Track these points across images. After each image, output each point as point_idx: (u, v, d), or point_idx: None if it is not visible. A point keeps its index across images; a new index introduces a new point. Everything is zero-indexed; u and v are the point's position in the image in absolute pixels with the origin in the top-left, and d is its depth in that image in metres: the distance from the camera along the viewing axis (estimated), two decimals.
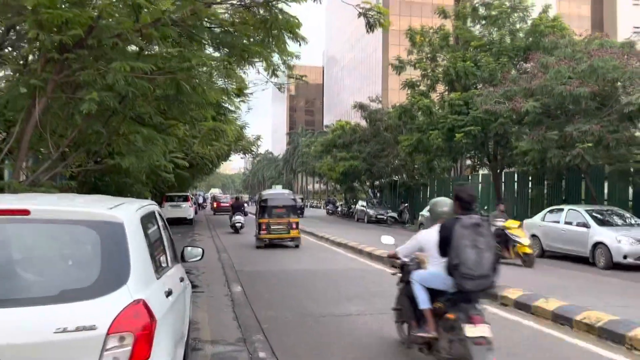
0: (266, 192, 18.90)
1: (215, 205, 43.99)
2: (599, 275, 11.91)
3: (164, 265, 4.08)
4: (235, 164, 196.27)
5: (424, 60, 21.54)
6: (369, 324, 7.30)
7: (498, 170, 21.74)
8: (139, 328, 2.80)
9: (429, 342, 5.19)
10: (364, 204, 33.74)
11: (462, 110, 18.96)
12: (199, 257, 5.51)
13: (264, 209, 16.71)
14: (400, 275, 6.10)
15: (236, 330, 6.98)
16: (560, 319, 7.12)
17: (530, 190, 23.11)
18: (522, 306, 7.93)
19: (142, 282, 3.05)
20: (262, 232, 16.47)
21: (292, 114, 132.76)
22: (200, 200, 57.12)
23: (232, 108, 11.48)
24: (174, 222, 28.14)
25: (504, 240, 12.66)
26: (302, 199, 44.37)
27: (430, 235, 5.25)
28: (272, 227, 16.46)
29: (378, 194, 38.50)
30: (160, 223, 4.40)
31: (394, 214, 30.77)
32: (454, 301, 4.81)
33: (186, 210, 28.43)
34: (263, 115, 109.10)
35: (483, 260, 4.55)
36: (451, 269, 4.60)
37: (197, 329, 6.95)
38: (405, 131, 29.20)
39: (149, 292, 3.08)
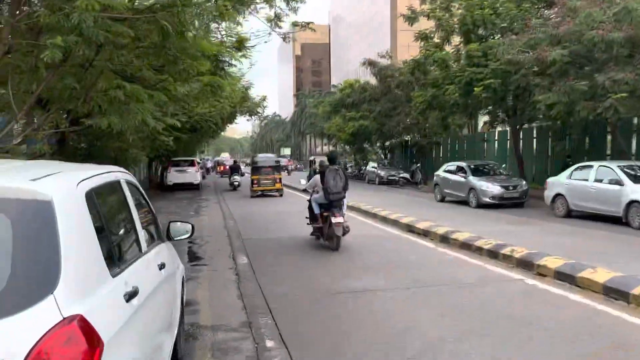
0: (257, 156, 24.44)
1: (220, 169, 46.50)
2: (636, 236, 10.88)
3: (130, 254, 3.07)
4: (242, 128, 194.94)
5: (438, 9, 19.99)
6: (391, 301, 6.37)
7: (517, 127, 20.49)
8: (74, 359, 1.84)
9: (320, 229, 10.16)
10: (375, 165, 32.65)
11: (481, 63, 17.62)
12: (187, 235, 4.54)
13: (255, 169, 22.37)
14: (308, 199, 10.90)
15: (240, 312, 6.08)
16: (613, 293, 6.14)
17: (550, 147, 21.91)
18: (564, 277, 6.95)
19: (79, 288, 2.06)
20: (254, 185, 21.85)
21: (298, 74, 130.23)
22: (209, 165, 56.39)
23: (233, 62, 10.32)
24: (181, 188, 27.42)
25: None
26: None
27: (318, 178, 10.21)
28: (261, 182, 22.02)
29: (388, 155, 37.37)
30: (128, 196, 3.35)
31: (406, 175, 29.72)
32: (328, 207, 9.77)
33: (193, 175, 27.60)
34: (269, 77, 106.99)
35: (338, 185, 9.57)
36: (325, 191, 9.67)
37: (195, 311, 6.08)
38: (418, 87, 27.87)
39: (93, 302, 2.09)
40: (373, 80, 34.31)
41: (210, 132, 26.44)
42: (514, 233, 11.28)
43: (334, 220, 9.40)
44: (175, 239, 4.35)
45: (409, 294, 6.67)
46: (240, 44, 10.81)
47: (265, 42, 11.44)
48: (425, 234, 11.11)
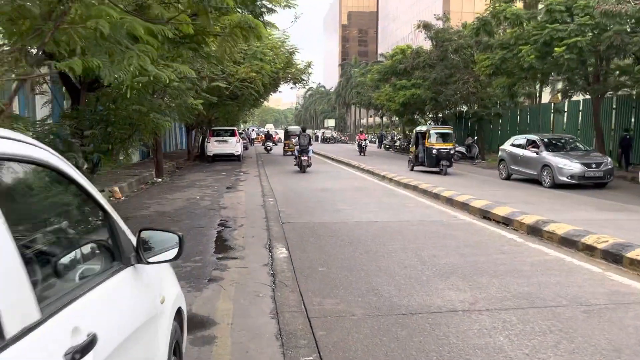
0: (288, 128, 36.88)
1: (258, 139, 51.19)
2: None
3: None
4: (287, 99, 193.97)
5: None
6: (489, 332, 4.31)
7: (598, 95, 17.65)
8: None
9: (300, 164, 20.15)
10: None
11: (563, 19, 14.89)
12: (173, 254, 2.53)
13: (287, 136, 33.13)
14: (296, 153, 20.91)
15: (274, 344, 4.18)
16: None
17: (636, 120, 18.99)
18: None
19: None
20: (285, 147, 32.07)
21: (344, 44, 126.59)
22: (253, 136, 54.99)
23: (272, 6, 8.26)
24: (221, 159, 25.90)
25: None
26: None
27: (297, 140, 21.49)
28: (290, 145, 29.72)
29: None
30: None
31: (462, 149, 27.10)
32: (300, 152, 20.37)
33: (233, 145, 25.98)
34: (314, 49, 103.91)
35: (304, 142, 20.46)
36: (299, 146, 20.59)
37: (210, 341, 4.20)
38: (480, 51, 25.04)
39: None
40: (426, 47, 31.54)
41: (252, 100, 24.59)
42: (619, 224, 8.95)
43: (302, 157, 19.97)
44: (150, 260, 2.37)
45: (513, 318, 4.61)
46: None
47: None
48: (506, 222, 8.92)
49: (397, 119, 47.68)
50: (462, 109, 32.41)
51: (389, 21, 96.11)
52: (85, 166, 9.14)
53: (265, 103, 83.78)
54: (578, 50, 14.04)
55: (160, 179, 16.48)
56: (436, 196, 12.16)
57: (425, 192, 12.94)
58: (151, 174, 17.01)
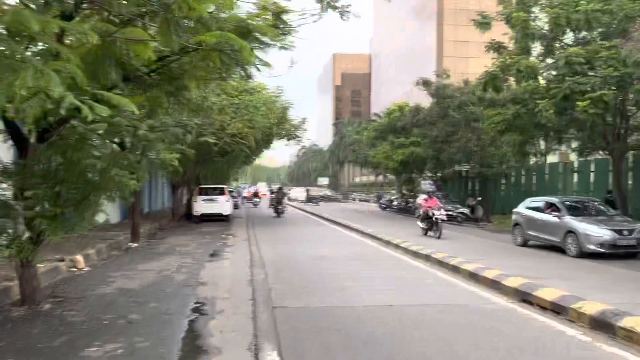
0: (272, 187, 47.49)
1: (248, 195, 53.08)
2: None
3: None
4: (280, 157, 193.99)
5: (518, 11, 16.02)
6: None
7: (621, 153, 16.13)
8: None
9: (276, 211, 28.44)
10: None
11: (584, 71, 13.58)
12: None
13: (272, 192, 35.87)
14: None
15: None
16: None
17: None
18: None
19: None
20: (270, 202, 32.73)
21: (337, 104, 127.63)
22: (244, 194, 53.19)
23: (268, 41, 6.66)
24: (208, 219, 23.97)
25: None
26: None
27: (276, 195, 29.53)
28: (275, 203, 29.62)
29: (440, 186, 33.11)
30: None
31: (465, 210, 25.41)
32: (277, 203, 28.69)
33: (222, 204, 24.09)
34: (308, 109, 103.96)
35: (280, 196, 28.75)
36: (276, 199, 28.99)
37: None
38: (483, 107, 23.81)
39: None
40: (424, 103, 30.52)
41: (243, 157, 23.04)
42: None
43: (278, 206, 27.96)
44: None
45: None
46: (278, 17, 7.21)
47: (314, 21, 7.80)
48: (556, 309, 7.01)
49: (392, 177, 46.28)
50: (464, 168, 30.98)
51: (382, 83, 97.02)
52: (27, 234, 7.26)
53: (258, 161, 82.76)
54: (604, 104, 12.61)
55: (136, 244, 14.49)
56: (455, 269, 10.26)
57: (441, 264, 11.03)
58: (127, 238, 15.03)
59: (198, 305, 7.52)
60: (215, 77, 9.04)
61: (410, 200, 33.87)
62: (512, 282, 8.32)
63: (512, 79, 18.40)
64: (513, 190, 27.80)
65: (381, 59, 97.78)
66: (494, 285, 8.68)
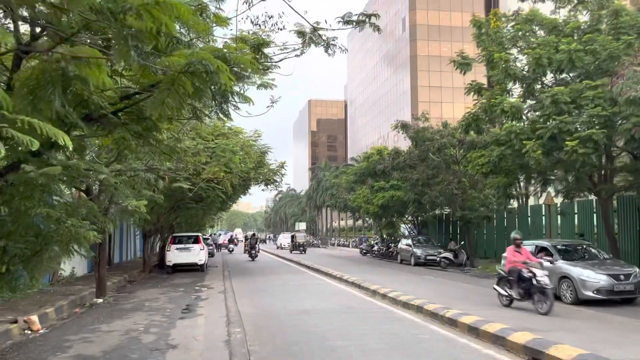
0: (247, 233, 47.38)
1: (223, 242, 53.22)
2: None
3: None
4: (257, 202, 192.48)
5: (498, 51, 15.84)
6: None
7: (608, 195, 15.75)
8: None
9: (250, 254, 33.26)
10: (410, 242, 27.73)
11: (570, 110, 13.28)
12: None
13: (247, 239, 37.40)
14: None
15: None
16: None
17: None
18: None
19: None
20: (245, 247, 36.96)
21: (314, 149, 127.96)
22: (220, 241, 51.73)
23: (249, 74, 5.99)
24: (182, 269, 22.72)
25: None
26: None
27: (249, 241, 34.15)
28: (247, 247, 34.54)
29: (420, 230, 32.54)
30: None
31: (449, 255, 24.71)
32: (251, 248, 33.56)
33: (196, 253, 22.86)
34: (284, 154, 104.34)
35: (252, 243, 33.60)
36: (250, 244, 33.95)
37: None
38: (463, 150, 23.54)
39: None
40: (401, 148, 30.31)
41: (219, 203, 22.04)
42: None
43: (252, 251, 32.68)
44: None
45: None
46: (258, 51, 6.55)
47: (297, 55, 7.19)
48: None
49: (371, 221, 45.60)
50: (444, 212, 30.53)
51: (357, 128, 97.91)
52: None
53: (235, 207, 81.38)
54: (594, 143, 12.23)
55: (101, 300, 13.26)
56: (452, 322, 9.40)
57: (434, 316, 10.16)
58: (92, 293, 13.80)
59: None
60: (188, 117, 8.30)
61: (392, 244, 33.16)
62: (518, 338, 7.50)
63: (493, 122, 18.20)
64: (496, 233, 27.30)
65: (356, 104, 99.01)
66: (498, 341, 7.85)
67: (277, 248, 52.70)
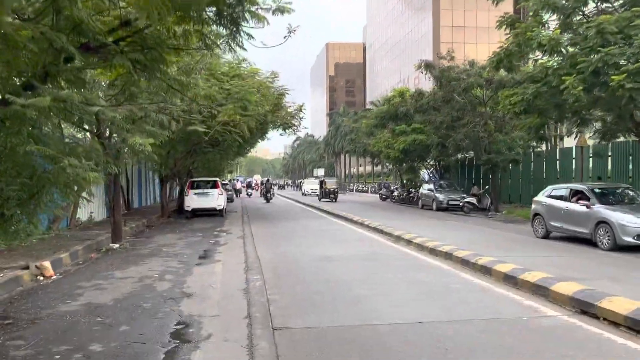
0: (263, 179, 49.63)
1: (242, 187, 54.89)
2: None
3: None
4: (275, 148, 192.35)
5: None
6: None
7: None
8: None
9: (265, 197, 37.07)
10: (432, 187, 26.93)
11: (617, 42, 12.02)
12: None
13: (262, 184, 43.55)
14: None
15: None
16: None
17: None
18: None
19: None
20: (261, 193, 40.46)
21: (332, 95, 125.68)
22: (238, 186, 51.56)
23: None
24: (201, 214, 22.43)
25: None
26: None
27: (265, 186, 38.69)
28: (264, 191, 37.82)
29: (443, 175, 31.65)
30: None
31: (472, 199, 23.91)
32: (267, 192, 37.60)
33: (215, 198, 22.49)
34: (301, 100, 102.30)
35: (269, 186, 37.77)
36: (265, 188, 38.84)
37: None
38: (491, 90, 22.28)
39: None
40: (426, 87, 28.99)
41: (236, 147, 21.37)
42: None
43: (267, 195, 36.22)
44: None
45: None
46: None
47: None
48: (631, 325, 5.50)
49: (391, 167, 44.77)
50: (467, 156, 29.53)
51: (377, 72, 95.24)
52: None
53: (253, 152, 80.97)
54: None
55: (117, 245, 12.87)
56: (485, 270, 8.72)
57: (465, 263, 9.50)
58: (109, 238, 13.43)
59: (180, 327, 5.96)
60: (197, 47, 7.46)
61: (412, 190, 32.41)
62: (564, 288, 6.79)
63: (526, 58, 16.92)
64: (521, 177, 26.32)
65: (375, 47, 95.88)
66: (539, 291, 7.16)
67: (303, 195, 46.67)
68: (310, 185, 47.86)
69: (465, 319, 6.12)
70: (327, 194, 36.22)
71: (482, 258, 9.24)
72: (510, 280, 7.92)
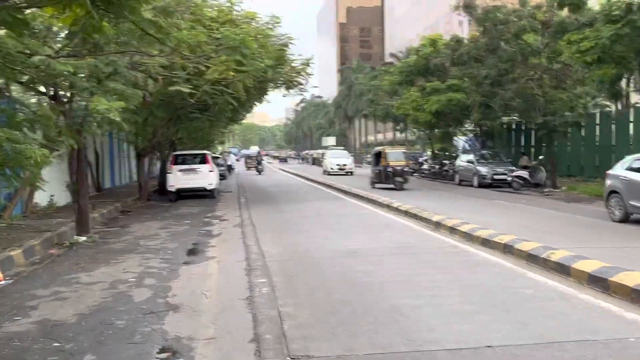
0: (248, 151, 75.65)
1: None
2: None
3: None
4: (275, 113, 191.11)
5: None
6: None
7: None
8: None
9: (257, 170, 46.50)
10: (472, 158, 26.13)
11: None
12: None
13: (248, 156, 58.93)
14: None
15: None
16: None
17: None
18: None
19: None
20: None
21: (343, 46, 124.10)
22: (230, 161, 50.89)
23: None
24: (188, 195, 21.88)
25: None
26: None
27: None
28: (255, 164, 47.45)
29: (485, 143, 30.81)
30: None
31: (524, 173, 23.10)
32: (257, 164, 47.62)
33: (204, 175, 21.89)
34: (305, 53, 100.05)
35: (259, 159, 48.96)
36: (256, 161, 49.27)
37: None
38: (549, 36, 21.24)
39: None
40: (461, 34, 27.95)
41: (228, 112, 20.59)
42: None
43: (258, 167, 46.08)
44: None
45: None
46: None
47: None
48: None
49: (417, 134, 43.95)
50: (514, 119, 28.67)
51: (397, 18, 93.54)
52: None
53: (249, 118, 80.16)
54: None
55: (84, 238, 12.24)
56: (562, 269, 7.97)
57: (533, 259, 8.76)
58: (74, 228, 12.82)
59: (165, 356, 5.30)
60: None
61: (446, 162, 31.54)
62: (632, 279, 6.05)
63: None
64: (584, 145, 25.42)
65: None
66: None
67: (326, 174, 39.41)
68: (337, 158, 40.34)
69: (550, 341, 5.40)
70: (388, 177, 24.62)
71: (556, 252, 8.50)
72: (598, 282, 7.18)
